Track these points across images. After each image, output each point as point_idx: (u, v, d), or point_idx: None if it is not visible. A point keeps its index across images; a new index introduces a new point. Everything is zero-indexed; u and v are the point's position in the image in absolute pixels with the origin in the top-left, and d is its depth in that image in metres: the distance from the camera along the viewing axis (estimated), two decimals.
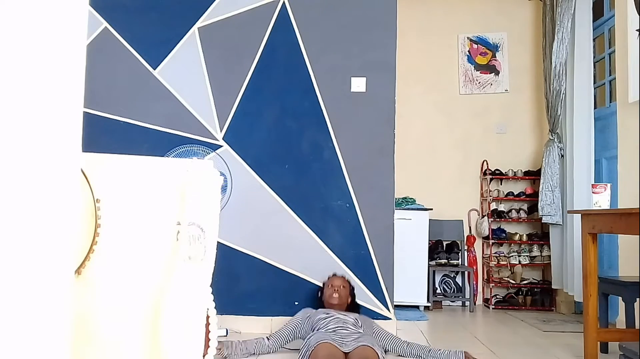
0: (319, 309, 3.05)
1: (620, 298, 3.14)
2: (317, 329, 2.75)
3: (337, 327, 2.71)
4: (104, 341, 1.00)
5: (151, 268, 1.03)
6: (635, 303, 2.97)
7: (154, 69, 3.65)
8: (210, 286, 1.11)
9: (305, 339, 2.64)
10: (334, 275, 3.33)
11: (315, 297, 3.34)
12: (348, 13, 3.62)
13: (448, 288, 5.09)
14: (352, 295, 3.26)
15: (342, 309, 3.08)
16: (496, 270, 5.09)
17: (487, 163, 5.16)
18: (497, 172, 5.16)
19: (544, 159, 4.65)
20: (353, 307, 3.24)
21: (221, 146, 3.58)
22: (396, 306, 3.89)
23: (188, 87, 3.63)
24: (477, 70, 5.36)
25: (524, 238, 5.06)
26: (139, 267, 1.02)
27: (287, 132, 3.58)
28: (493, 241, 5.07)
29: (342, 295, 3.13)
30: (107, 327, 1.01)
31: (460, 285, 5.09)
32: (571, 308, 4.66)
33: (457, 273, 5.09)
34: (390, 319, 3.44)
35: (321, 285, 3.36)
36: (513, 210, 5.17)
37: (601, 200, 2.74)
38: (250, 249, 3.52)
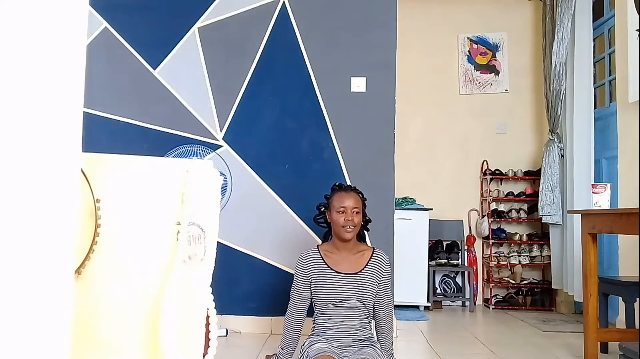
0: (317, 266, 2.38)
1: (620, 298, 3.14)
2: (321, 314, 2.37)
3: (341, 324, 2.34)
4: (104, 341, 1.00)
5: (151, 268, 1.03)
6: (635, 303, 2.97)
7: (154, 69, 3.65)
8: (210, 286, 1.11)
9: (304, 345, 2.34)
10: (341, 187, 2.48)
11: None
12: (348, 13, 3.62)
13: (448, 288, 5.09)
14: (364, 215, 2.47)
15: (349, 244, 2.40)
16: (496, 270, 5.09)
17: (487, 163, 5.16)
18: (497, 172, 5.16)
19: (544, 159, 4.65)
20: (362, 231, 2.52)
21: (221, 146, 3.59)
22: (396, 306, 3.89)
23: (188, 87, 3.63)
24: (477, 70, 5.36)
25: (524, 238, 5.06)
26: (139, 267, 1.02)
27: (287, 132, 3.58)
28: (493, 241, 5.07)
29: (356, 223, 2.37)
30: (107, 327, 1.01)
31: (460, 285, 5.09)
32: (571, 308, 4.66)
33: (457, 273, 5.09)
34: None
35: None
36: (513, 210, 5.17)
37: (601, 200, 2.74)
38: (250, 249, 3.52)
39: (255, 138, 3.59)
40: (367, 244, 2.58)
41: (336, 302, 2.35)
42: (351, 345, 2.34)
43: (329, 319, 2.37)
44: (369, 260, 2.41)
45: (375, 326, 2.45)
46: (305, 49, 3.61)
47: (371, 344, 2.35)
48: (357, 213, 2.39)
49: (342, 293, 2.34)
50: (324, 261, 2.40)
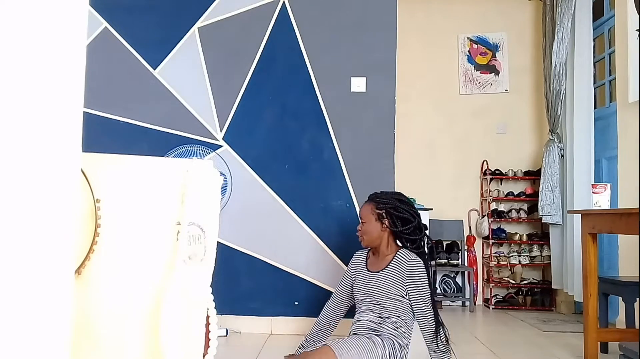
0: (360, 265, 2.54)
1: (620, 298, 3.14)
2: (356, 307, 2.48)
3: (363, 319, 2.38)
4: (104, 341, 1.00)
5: (151, 268, 1.03)
6: (635, 303, 2.97)
7: (154, 69, 3.65)
8: (210, 286, 1.11)
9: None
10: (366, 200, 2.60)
11: (312, 297, 3.22)
12: (348, 13, 3.62)
13: (448, 288, 5.09)
14: (393, 223, 2.45)
15: (379, 249, 2.47)
16: (496, 270, 5.09)
17: (487, 163, 5.16)
18: (497, 172, 5.16)
19: (544, 159, 4.65)
20: (400, 239, 2.49)
21: (221, 146, 3.59)
22: None
23: (188, 87, 3.63)
24: (477, 70, 5.36)
25: (524, 238, 5.06)
26: (139, 267, 1.03)
27: (287, 132, 3.58)
28: (493, 241, 5.07)
29: (367, 232, 2.46)
30: (107, 327, 1.01)
31: (460, 285, 5.09)
32: (571, 308, 4.66)
33: (457, 273, 5.09)
34: None
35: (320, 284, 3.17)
36: (513, 210, 5.17)
37: (601, 200, 2.74)
38: (250, 249, 3.52)
39: (255, 138, 3.59)
40: (402, 248, 2.50)
41: (361, 297, 2.45)
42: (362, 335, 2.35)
43: (358, 315, 2.44)
44: (391, 261, 2.45)
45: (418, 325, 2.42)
46: (305, 49, 3.61)
47: (379, 336, 2.30)
48: (364, 222, 2.49)
49: (365, 289, 2.44)
50: (365, 262, 2.56)
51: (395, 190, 3.54)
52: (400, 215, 2.46)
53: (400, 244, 2.52)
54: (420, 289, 2.39)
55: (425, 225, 2.56)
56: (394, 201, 2.50)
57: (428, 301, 2.39)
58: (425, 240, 2.54)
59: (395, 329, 2.35)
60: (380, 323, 2.36)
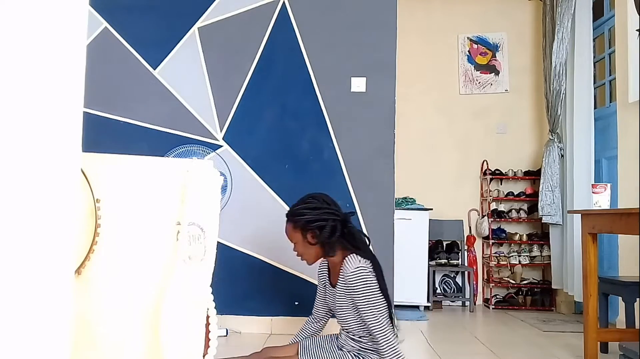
0: (324, 276, 2.38)
1: (620, 298, 3.14)
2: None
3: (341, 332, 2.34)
4: (104, 341, 1.00)
5: (151, 268, 1.03)
6: (635, 303, 2.97)
7: (154, 69, 3.65)
8: (210, 286, 1.11)
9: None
10: None
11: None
12: (348, 13, 3.62)
13: (448, 288, 5.09)
14: (316, 234, 2.18)
15: (328, 260, 2.29)
16: (496, 270, 5.09)
17: (487, 163, 5.16)
18: (497, 172, 5.16)
19: (544, 159, 4.65)
20: (332, 247, 2.20)
21: (221, 146, 3.59)
22: (396, 306, 3.87)
23: (188, 87, 3.63)
24: (477, 70, 5.36)
25: (524, 238, 5.06)
26: (139, 267, 1.03)
27: (287, 132, 3.58)
28: (493, 241, 5.07)
29: (303, 253, 2.25)
30: (107, 327, 1.01)
31: (460, 285, 5.09)
32: (571, 308, 4.66)
33: (457, 273, 5.09)
34: None
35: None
36: (513, 210, 5.17)
37: (601, 200, 2.74)
38: (250, 249, 3.52)
39: (255, 138, 3.59)
40: (352, 253, 2.18)
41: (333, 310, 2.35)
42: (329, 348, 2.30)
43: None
44: (340, 272, 2.19)
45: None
46: (305, 49, 3.61)
47: (351, 351, 2.21)
48: (295, 243, 2.25)
49: (332, 306, 2.32)
50: (328, 271, 2.37)
51: (394, 190, 3.54)
52: (315, 225, 2.19)
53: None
54: (365, 300, 2.08)
55: (339, 211, 2.26)
56: (305, 211, 2.23)
57: (373, 316, 2.07)
58: (350, 230, 2.23)
59: (356, 344, 2.21)
60: (347, 337, 2.24)
